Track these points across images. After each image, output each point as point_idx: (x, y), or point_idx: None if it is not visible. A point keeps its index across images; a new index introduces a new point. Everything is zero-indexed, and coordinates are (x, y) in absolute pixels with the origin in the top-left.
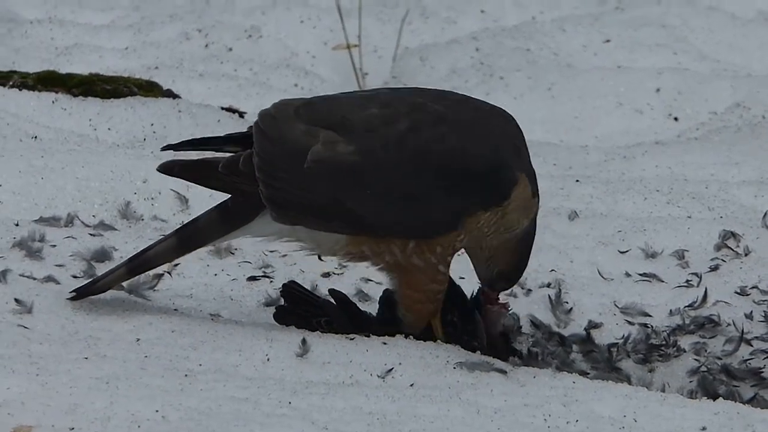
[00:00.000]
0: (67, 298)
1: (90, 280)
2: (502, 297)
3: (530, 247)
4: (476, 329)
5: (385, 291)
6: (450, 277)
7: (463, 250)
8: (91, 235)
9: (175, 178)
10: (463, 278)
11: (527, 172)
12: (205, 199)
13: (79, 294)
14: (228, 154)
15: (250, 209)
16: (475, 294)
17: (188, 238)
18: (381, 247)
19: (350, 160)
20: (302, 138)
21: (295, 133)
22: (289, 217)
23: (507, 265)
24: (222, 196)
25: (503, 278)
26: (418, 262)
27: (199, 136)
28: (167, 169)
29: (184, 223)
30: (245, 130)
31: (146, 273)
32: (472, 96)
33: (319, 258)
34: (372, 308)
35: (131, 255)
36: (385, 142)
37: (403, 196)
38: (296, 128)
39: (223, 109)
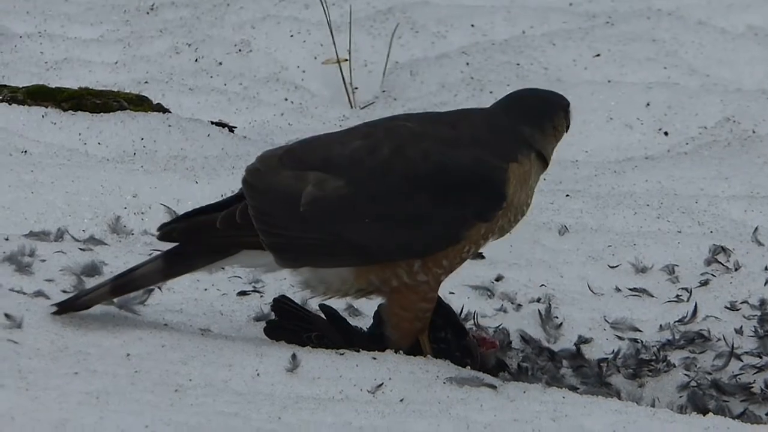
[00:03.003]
0: (51, 313)
1: (73, 295)
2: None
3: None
4: (469, 346)
5: (380, 306)
6: (439, 297)
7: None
8: (80, 249)
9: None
10: (453, 293)
11: (518, 152)
12: None
13: (62, 309)
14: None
15: None
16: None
17: (176, 262)
18: (387, 273)
19: (342, 194)
20: (292, 183)
21: (284, 180)
22: (295, 261)
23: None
24: None
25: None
26: (424, 278)
27: (196, 207)
28: (166, 234)
29: (174, 246)
30: (236, 192)
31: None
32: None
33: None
34: (362, 323)
35: (117, 273)
36: (371, 170)
37: (399, 219)
38: (284, 176)
39: (213, 123)
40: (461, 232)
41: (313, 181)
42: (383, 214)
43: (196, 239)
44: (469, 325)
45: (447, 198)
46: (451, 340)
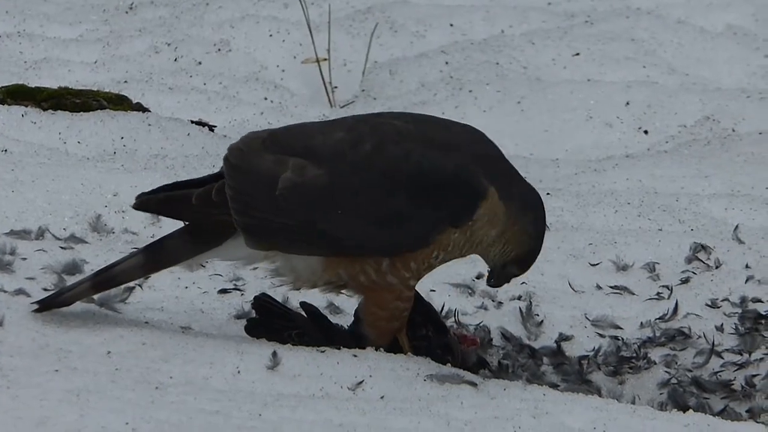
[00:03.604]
0: (32, 311)
1: (54, 292)
2: (472, 333)
3: (543, 231)
4: (450, 343)
5: (358, 305)
6: (420, 294)
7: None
8: (61, 248)
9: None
10: (434, 291)
11: (499, 184)
12: None
13: (43, 306)
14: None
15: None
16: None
17: (156, 257)
18: (356, 268)
19: (320, 182)
20: (272, 167)
21: (264, 163)
22: (265, 244)
23: (520, 252)
24: None
25: (516, 264)
26: (392, 279)
27: (171, 182)
28: (143, 205)
29: (153, 240)
30: (217, 171)
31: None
32: (441, 110)
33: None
34: (343, 321)
35: (97, 270)
36: (352, 163)
37: (372, 214)
38: (265, 158)
39: (192, 122)
40: (432, 234)
41: (292, 166)
42: (357, 208)
43: (172, 212)
44: (449, 322)
45: (423, 199)
46: (431, 338)
